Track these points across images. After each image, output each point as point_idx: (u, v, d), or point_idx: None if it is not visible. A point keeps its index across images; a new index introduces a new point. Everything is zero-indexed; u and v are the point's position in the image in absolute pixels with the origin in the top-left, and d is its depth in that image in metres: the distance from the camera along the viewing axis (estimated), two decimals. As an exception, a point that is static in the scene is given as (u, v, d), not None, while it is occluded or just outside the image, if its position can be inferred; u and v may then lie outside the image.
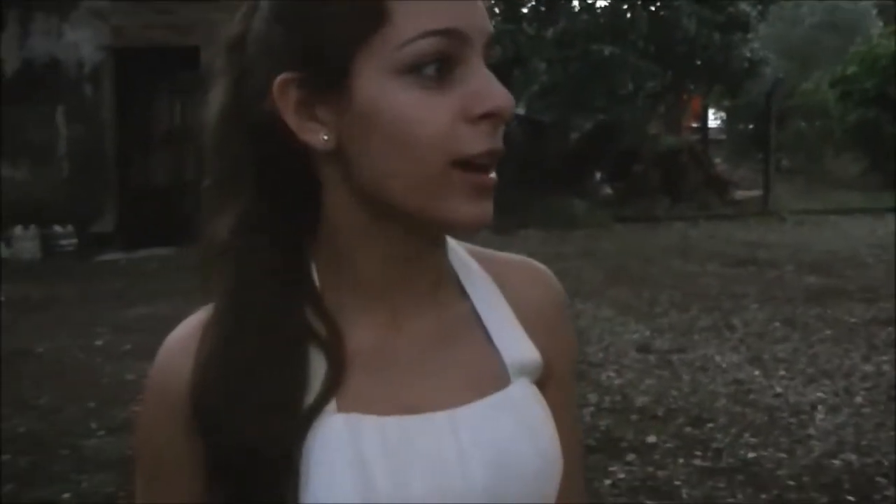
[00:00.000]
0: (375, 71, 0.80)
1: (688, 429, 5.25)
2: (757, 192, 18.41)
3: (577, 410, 1.10)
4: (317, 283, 0.90)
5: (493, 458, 0.87)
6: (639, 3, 18.55)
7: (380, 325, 0.91)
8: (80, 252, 12.87)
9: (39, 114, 13.35)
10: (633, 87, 18.57)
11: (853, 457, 4.76)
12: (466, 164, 0.82)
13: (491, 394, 0.91)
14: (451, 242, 0.97)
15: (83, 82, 13.64)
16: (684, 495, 4.37)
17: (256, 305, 0.86)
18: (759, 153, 20.96)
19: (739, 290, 9.34)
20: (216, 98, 0.89)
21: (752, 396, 5.81)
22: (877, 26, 29.33)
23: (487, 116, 0.81)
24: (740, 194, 19.20)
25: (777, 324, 7.79)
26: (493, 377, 0.92)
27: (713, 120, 31.29)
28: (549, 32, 17.67)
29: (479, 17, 0.83)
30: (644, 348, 7.06)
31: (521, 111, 19.22)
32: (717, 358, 6.74)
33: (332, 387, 0.85)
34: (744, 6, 18.74)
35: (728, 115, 31.30)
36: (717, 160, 23.57)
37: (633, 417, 5.46)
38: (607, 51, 16.96)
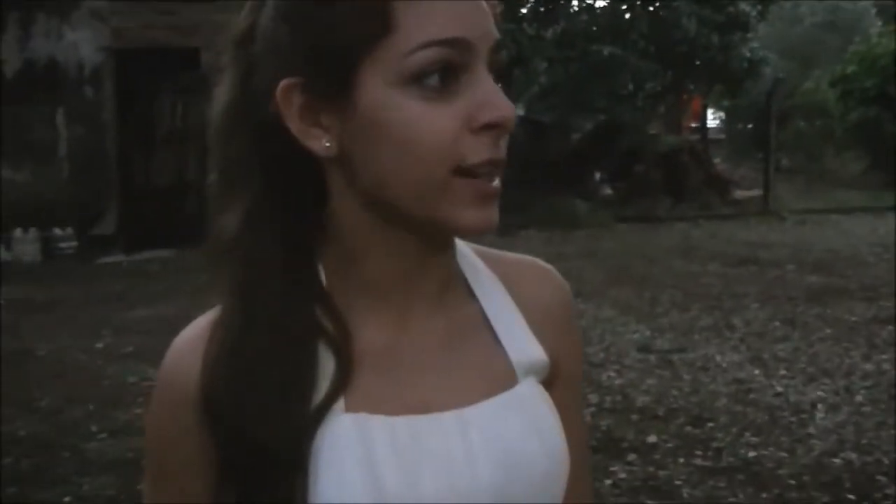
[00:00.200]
0: (379, 80, 0.80)
1: (688, 428, 5.26)
2: (757, 192, 18.38)
3: (583, 410, 1.11)
4: (324, 282, 0.90)
5: (502, 457, 0.88)
6: (638, 3, 18.55)
7: (388, 326, 0.91)
8: (80, 254, 12.86)
9: (40, 115, 13.34)
10: (633, 88, 18.57)
11: (854, 455, 4.77)
12: (468, 172, 0.82)
13: (499, 394, 0.92)
14: (459, 243, 0.97)
15: (84, 84, 13.63)
16: (685, 495, 4.38)
17: (265, 303, 0.86)
18: (759, 153, 20.92)
19: (740, 289, 9.34)
20: (223, 93, 0.89)
21: (752, 396, 5.82)
22: (876, 25, 29.31)
23: (490, 127, 0.82)
24: (741, 194, 19.18)
25: (777, 323, 7.79)
26: (501, 377, 0.93)
27: (713, 120, 31.25)
28: (549, 33, 17.66)
29: (484, 24, 0.83)
30: (645, 348, 7.06)
31: (521, 112, 19.22)
32: (718, 357, 6.75)
33: (341, 384, 0.86)
34: (743, 6, 18.71)
35: (728, 115, 31.26)
36: (717, 160, 23.55)
37: (634, 417, 5.47)
38: (607, 51, 16.95)
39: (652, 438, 5.09)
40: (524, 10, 18.34)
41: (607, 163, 19.43)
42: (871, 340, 7.08)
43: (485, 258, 1.00)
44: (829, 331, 7.46)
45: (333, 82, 0.82)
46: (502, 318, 0.96)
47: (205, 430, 0.85)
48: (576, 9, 19.18)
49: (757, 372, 6.35)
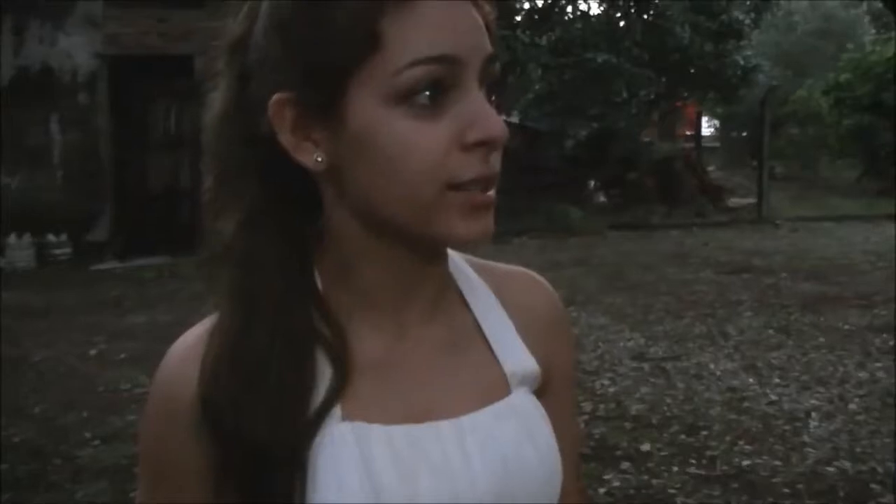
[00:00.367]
0: (368, 98, 0.80)
1: (682, 436, 5.25)
2: (751, 200, 18.43)
3: (575, 417, 1.11)
4: (320, 289, 0.90)
5: (498, 465, 0.88)
6: (633, 10, 18.61)
7: (384, 335, 0.91)
8: (74, 261, 12.85)
9: (34, 121, 13.34)
10: (628, 95, 18.62)
11: (848, 464, 4.76)
12: (459, 187, 0.82)
13: (493, 403, 0.92)
14: (451, 253, 0.98)
15: (78, 90, 13.64)
16: (679, 503, 4.38)
17: (262, 308, 0.86)
18: (753, 160, 21.02)
19: (734, 297, 9.35)
20: (217, 100, 0.89)
21: (746, 404, 5.81)
22: (870, 33, 29.44)
23: (480, 144, 0.81)
24: (735, 202, 19.24)
25: (772, 331, 7.80)
26: (495, 386, 0.94)
27: (707, 127, 31.35)
28: (544, 40, 17.70)
29: (476, 38, 0.82)
30: (639, 356, 7.06)
31: (516, 119, 19.26)
32: (712, 365, 6.75)
33: (339, 389, 0.86)
34: (737, 14, 18.79)
35: (722, 123, 31.38)
36: (711, 168, 23.62)
37: (628, 425, 5.46)
38: (601, 58, 16.99)
39: (646, 446, 5.08)
40: (518, 18, 18.39)
41: (601, 170, 19.46)
42: (865, 348, 7.09)
43: (476, 268, 1.01)
44: (823, 339, 7.46)
45: (323, 99, 0.81)
46: (495, 328, 0.97)
47: (203, 437, 0.85)
48: (570, 16, 19.22)
49: (751, 380, 6.35)
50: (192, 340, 0.90)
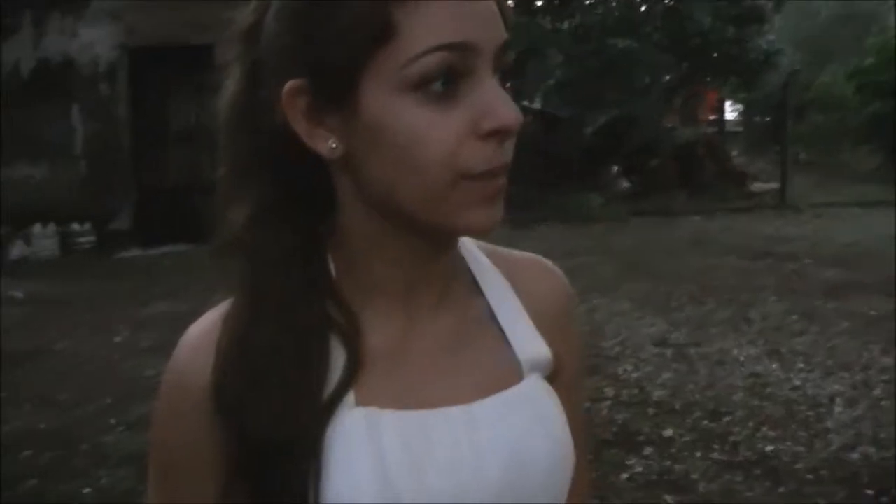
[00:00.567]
0: (382, 86, 0.79)
1: (705, 422, 5.25)
2: (774, 185, 18.28)
3: (583, 406, 1.12)
4: (334, 277, 0.90)
5: (509, 452, 0.88)
6: (653, -5, 18.50)
7: (395, 324, 0.92)
8: (98, 250, 12.93)
9: (56, 113, 13.41)
10: (649, 81, 18.50)
11: (871, 450, 4.75)
12: (473, 178, 0.82)
13: (505, 389, 0.92)
14: (463, 239, 0.98)
15: (98, 81, 13.69)
16: (701, 489, 4.37)
17: (276, 295, 0.86)
18: (776, 146, 20.84)
19: (757, 283, 9.31)
20: (230, 89, 0.89)
21: (769, 390, 5.80)
22: (893, 18, 29.12)
23: (494, 133, 0.81)
24: (757, 187, 19.08)
25: (795, 317, 7.76)
26: (507, 373, 0.94)
27: (730, 112, 31.15)
28: (564, 26, 17.61)
29: (490, 26, 0.82)
30: (661, 342, 7.05)
31: (537, 105, 19.19)
32: (735, 351, 6.73)
33: (352, 375, 0.86)
34: (759, -2, 18.64)
35: (745, 108, 31.15)
36: (734, 153, 23.44)
37: (650, 411, 5.46)
38: (622, 44, 16.89)
39: (668, 432, 5.08)
40: (538, 3, 18.31)
41: (622, 156, 19.37)
42: (889, 334, 7.04)
43: (489, 255, 1.01)
44: (846, 325, 7.42)
45: (336, 87, 0.81)
46: (508, 315, 0.97)
47: (217, 425, 0.85)
48: (590, 1, 19.12)
49: (774, 366, 6.33)
50: (207, 326, 0.90)
